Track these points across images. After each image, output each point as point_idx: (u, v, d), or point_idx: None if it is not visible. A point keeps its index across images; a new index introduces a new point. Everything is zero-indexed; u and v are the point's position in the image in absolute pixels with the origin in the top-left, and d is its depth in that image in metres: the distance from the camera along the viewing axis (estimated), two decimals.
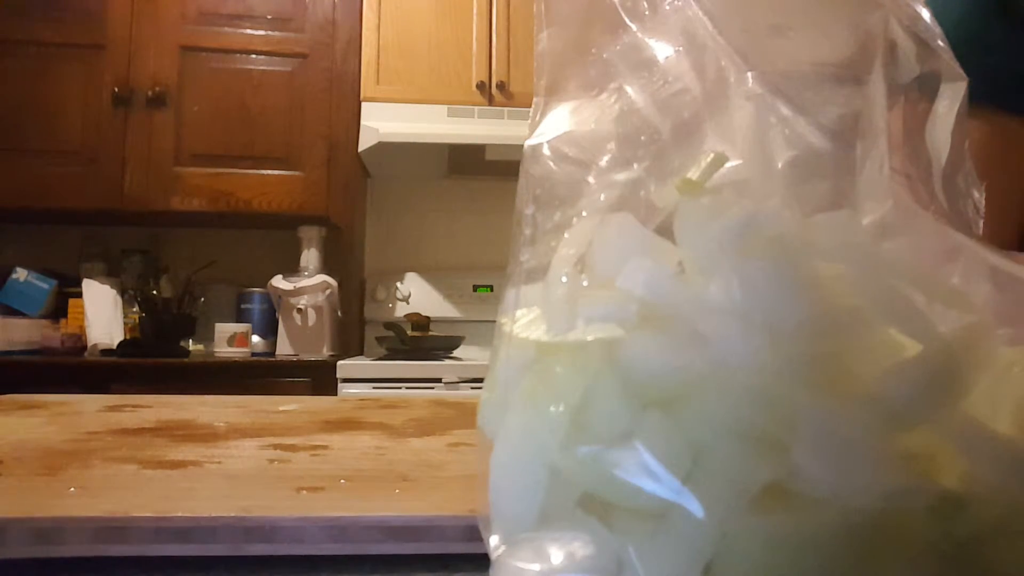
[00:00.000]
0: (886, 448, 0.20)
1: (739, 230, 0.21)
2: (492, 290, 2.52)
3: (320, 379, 1.98)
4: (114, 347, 2.09)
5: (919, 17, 0.24)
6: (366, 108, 2.27)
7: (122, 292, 2.26)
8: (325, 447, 0.51)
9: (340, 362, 1.97)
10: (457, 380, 1.94)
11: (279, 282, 2.22)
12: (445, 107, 2.28)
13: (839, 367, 0.20)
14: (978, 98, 0.60)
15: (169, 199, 2.20)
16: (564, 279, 0.24)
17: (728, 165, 0.23)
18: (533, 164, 0.26)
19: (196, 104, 2.23)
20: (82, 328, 2.15)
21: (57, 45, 2.19)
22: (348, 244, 2.36)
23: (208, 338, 2.26)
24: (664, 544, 0.20)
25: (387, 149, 2.26)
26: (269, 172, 2.25)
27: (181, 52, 2.24)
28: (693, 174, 0.23)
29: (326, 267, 2.32)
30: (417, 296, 2.51)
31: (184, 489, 0.38)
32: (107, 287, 2.20)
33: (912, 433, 0.20)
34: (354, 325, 2.49)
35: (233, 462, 0.45)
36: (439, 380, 1.94)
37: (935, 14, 0.66)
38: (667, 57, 0.25)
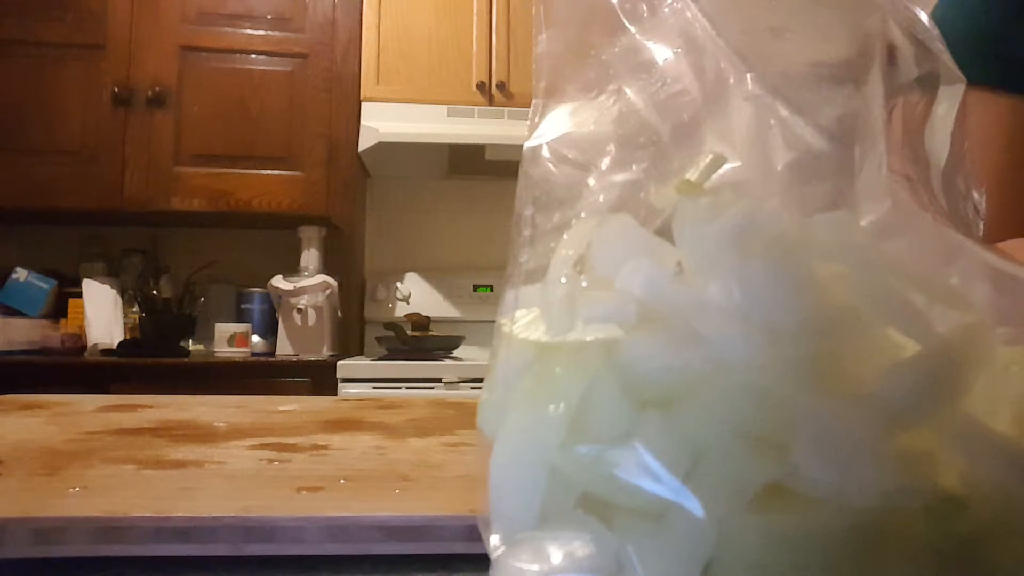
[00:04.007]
0: (885, 448, 0.20)
1: (738, 231, 0.21)
2: (492, 290, 2.52)
3: (320, 379, 1.98)
4: (114, 347, 2.09)
5: (917, 19, 0.24)
6: (366, 108, 2.27)
7: (122, 292, 2.26)
8: (325, 447, 0.51)
9: (340, 362, 1.97)
10: (457, 380, 1.94)
11: (279, 282, 2.22)
12: (445, 107, 2.29)
13: (838, 367, 0.20)
14: (1000, 86, 0.60)
15: (169, 199, 2.20)
16: (563, 280, 0.24)
17: (727, 166, 0.23)
18: (532, 166, 0.26)
19: (196, 104, 2.23)
20: (82, 328, 2.16)
21: (57, 45, 2.19)
22: (348, 244, 2.36)
23: (208, 338, 2.26)
24: (664, 544, 0.20)
25: (387, 149, 2.26)
26: (269, 172, 2.25)
27: (181, 52, 2.24)
28: (692, 175, 0.23)
29: (326, 267, 2.32)
30: (417, 296, 2.51)
31: (184, 489, 0.38)
32: (107, 287, 2.20)
33: (911, 433, 0.20)
34: (354, 325, 2.49)
35: (233, 462, 0.45)
36: (439, 380, 1.94)
37: (952, 11, 0.65)
38: (666, 59, 0.25)
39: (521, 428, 0.23)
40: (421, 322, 2.23)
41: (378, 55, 2.31)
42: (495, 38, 2.34)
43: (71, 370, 2.02)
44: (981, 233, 0.26)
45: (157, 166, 2.21)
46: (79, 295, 2.17)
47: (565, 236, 0.25)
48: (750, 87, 0.23)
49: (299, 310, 2.21)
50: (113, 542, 0.33)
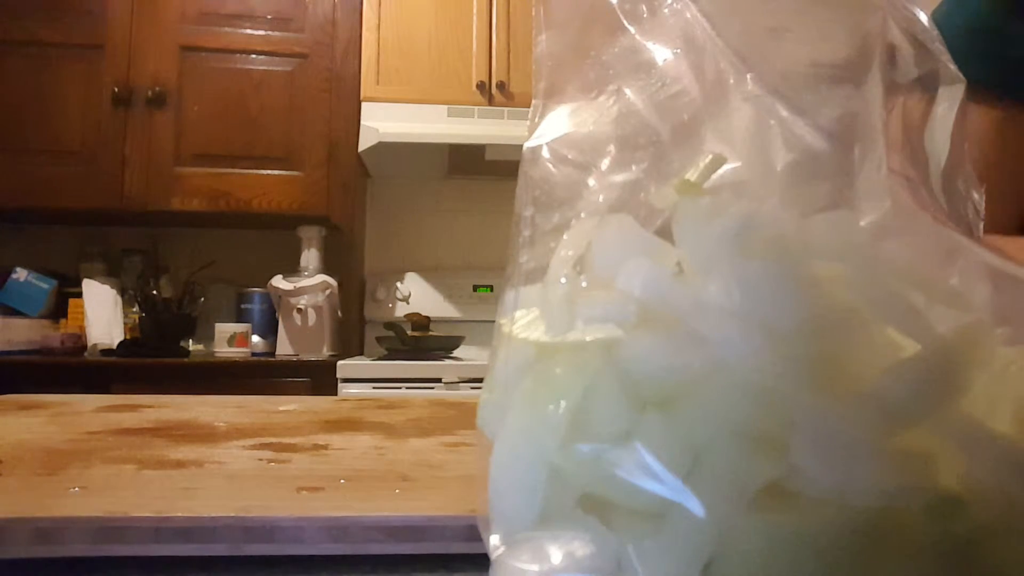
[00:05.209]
0: (885, 447, 0.20)
1: (738, 231, 0.21)
2: (492, 290, 2.52)
3: (320, 379, 1.98)
4: (114, 347, 2.09)
5: (917, 19, 0.24)
6: (366, 108, 2.27)
7: (122, 292, 2.26)
8: (325, 447, 0.51)
9: (340, 362, 1.97)
10: (457, 380, 1.94)
11: (279, 282, 2.22)
12: (445, 107, 2.28)
13: (838, 367, 0.20)
14: (997, 89, 0.60)
15: (169, 199, 2.20)
16: (563, 280, 0.24)
17: (727, 166, 0.23)
18: (532, 166, 0.26)
19: (196, 104, 2.23)
20: (82, 328, 2.16)
21: (57, 45, 2.19)
22: (348, 244, 2.36)
23: (208, 338, 2.26)
24: (664, 543, 0.20)
25: (387, 149, 2.26)
26: (269, 172, 2.25)
27: (181, 52, 2.24)
28: (691, 175, 0.23)
29: (326, 267, 2.32)
30: (417, 296, 2.51)
31: (184, 489, 0.38)
32: (107, 287, 2.20)
33: (911, 432, 0.20)
34: (354, 325, 2.49)
35: (233, 462, 0.45)
36: (439, 380, 1.94)
37: (953, 8, 0.65)
38: (666, 59, 0.25)
39: (521, 428, 0.23)
40: (421, 322, 2.23)
41: (378, 55, 2.31)
42: (495, 38, 2.34)
43: (71, 370, 2.02)
44: (981, 233, 0.26)
45: (157, 166, 2.21)
46: (79, 295, 2.17)
47: (565, 236, 0.25)
48: (750, 87, 0.23)
49: (299, 310, 2.21)
50: (113, 542, 0.33)
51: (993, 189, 0.59)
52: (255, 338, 2.25)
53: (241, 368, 2.08)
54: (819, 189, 0.23)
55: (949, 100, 0.25)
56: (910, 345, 0.20)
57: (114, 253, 2.44)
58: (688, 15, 0.24)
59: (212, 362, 2.10)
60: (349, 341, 2.41)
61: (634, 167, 0.25)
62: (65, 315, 2.21)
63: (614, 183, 0.25)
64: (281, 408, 0.72)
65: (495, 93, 2.31)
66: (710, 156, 0.23)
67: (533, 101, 0.26)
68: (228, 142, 2.24)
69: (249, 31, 2.28)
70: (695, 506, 0.20)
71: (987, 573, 0.20)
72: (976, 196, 0.26)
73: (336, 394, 1.92)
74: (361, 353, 2.49)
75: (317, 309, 2.22)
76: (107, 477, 0.40)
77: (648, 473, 0.20)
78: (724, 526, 0.20)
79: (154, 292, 2.19)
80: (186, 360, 2.09)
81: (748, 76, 0.23)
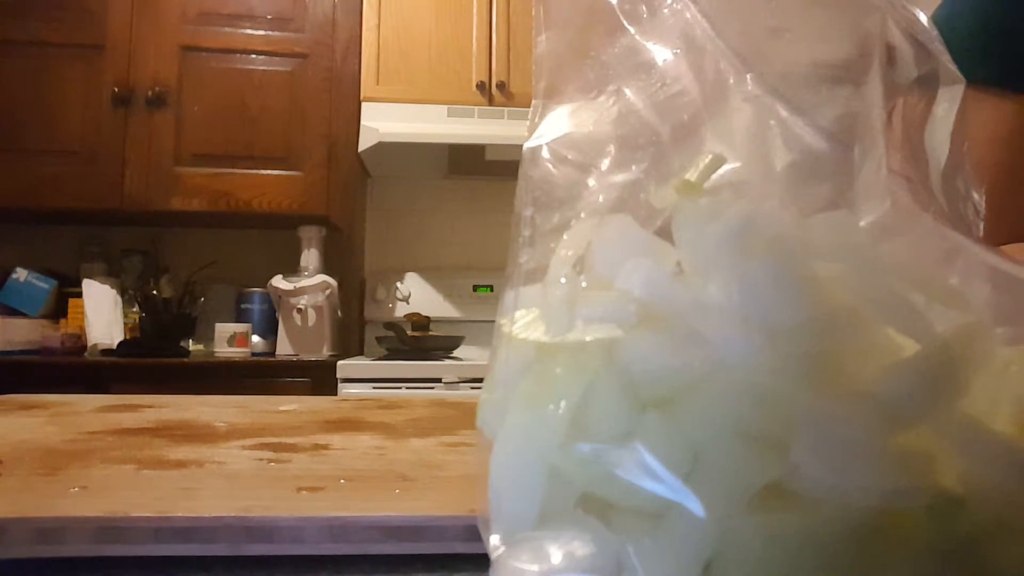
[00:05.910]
0: (885, 447, 0.20)
1: (738, 231, 0.21)
2: (492, 290, 2.52)
3: (320, 379, 1.98)
4: (114, 347, 2.09)
5: (917, 19, 0.24)
6: (366, 108, 2.27)
7: (122, 292, 2.26)
8: (325, 447, 0.51)
9: (340, 362, 1.97)
10: (457, 380, 1.94)
11: (279, 282, 2.22)
12: (445, 107, 2.29)
13: (837, 367, 0.20)
14: (1007, 86, 0.60)
15: (169, 199, 2.20)
16: (563, 280, 0.24)
17: (727, 166, 0.23)
18: (532, 166, 0.26)
19: (196, 104, 2.23)
20: (82, 328, 2.16)
21: (57, 45, 2.19)
22: (348, 244, 2.36)
23: (208, 338, 2.26)
24: (664, 543, 0.20)
25: (387, 149, 2.26)
26: (269, 172, 2.25)
27: (181, 52, 2.24)
28: (691, 175, 0.23)
29: (326, 267, 2.32)
30: (417, 296, 2.51)
31: (184, 489, 0.38)
32: (107, 287, 2.20)
33: (910, 432, 0.20)
34: (354, 325, 2.49)
35: (233, 462, 0.45)
36: (439, 380, 1.94)
37: (959, 8, 0.65)
38: (665, 59, 0.25)
39: (521, 428, 0.23)
40: (421, 322, 2.23)
41: (378, 55, 2.31)
42: (495, 38, 2.34)
43: (71, 370, 2.02)
44: (981, 233, 0.26)
45: (157, 166, 2.21)
46: (79, 295, 2.17)
47: (565, 236, 0.25)
48: (750, 88, 0.23)
49: (299, 310, 2.21)
50: (113, 542, 0.33)
51: (1007, 189, 0.59)
52: (255, 338, 2.25)
53: (241, 368, 2.08)
54: (819, 189, 0.23)
55: (949, 100, 0.25)
56: (910, 345, 0.20)
57: (114, 253, 2.44)
58: (688, 15, 0.24)
59: (212, 362, 2.10)
60: (349, 341, 2.41)
61: (634, 167, 0.25)
62: (65, 315, 2.21)
63: (614, 183, 0.25)
64: (281, 408, 0.72)
65: (495, 93, 2.32)
66: (710, 156, 0.23)
67: (533, 101, 0.26)
68: (228, 142, 2.24)
69: (249, 31, 2.28)
70: (695, 506, 0.20)
71: (987, 573, 0.20)
72: (976, 196, 0.26)
73: (336, 394, 1.92)
74: (361, 353, 2.49)
75: (317, 309, 2.22)
76: (107, 477, 0.40)
77: (648, 473, 0.20)
78: (724, 526, 0.20)
79: (154, 292, 2.19)
80: (186, 360, 2.09)
81: (748, 76, 0.23)
